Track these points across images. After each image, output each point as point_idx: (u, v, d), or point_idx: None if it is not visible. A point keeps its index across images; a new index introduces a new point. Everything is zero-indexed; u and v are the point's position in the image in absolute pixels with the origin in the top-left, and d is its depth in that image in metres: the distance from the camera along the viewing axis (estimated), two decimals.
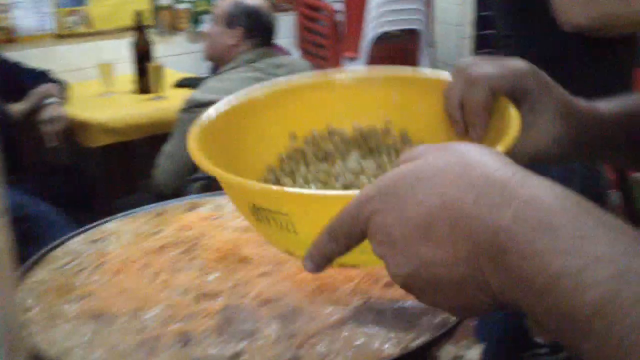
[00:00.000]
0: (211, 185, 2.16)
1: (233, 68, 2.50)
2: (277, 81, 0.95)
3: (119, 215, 1.28)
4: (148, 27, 3.66)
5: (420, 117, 0.84)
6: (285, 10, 4.28)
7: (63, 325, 0.94)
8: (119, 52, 3.70)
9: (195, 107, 2.40)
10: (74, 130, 2.98)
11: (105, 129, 2.93)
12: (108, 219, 1.27)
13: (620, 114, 0.80)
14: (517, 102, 0.72)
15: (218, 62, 2.66)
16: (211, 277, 1.02)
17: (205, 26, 3.81)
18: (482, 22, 4.48)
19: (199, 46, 4.03)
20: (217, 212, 1.29)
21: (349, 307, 0.92)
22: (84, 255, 1.13)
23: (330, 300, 0.93)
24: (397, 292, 0.94)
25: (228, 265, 1.05)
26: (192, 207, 1.32)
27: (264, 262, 1.04)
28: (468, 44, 4.54)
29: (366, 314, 0.90)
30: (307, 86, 0.94)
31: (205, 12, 4.06)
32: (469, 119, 0.74)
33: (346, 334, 0.87)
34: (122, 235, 1.21)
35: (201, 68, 4.00)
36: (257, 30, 2.56)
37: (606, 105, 0.80)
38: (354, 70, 0.95)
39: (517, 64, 0.72)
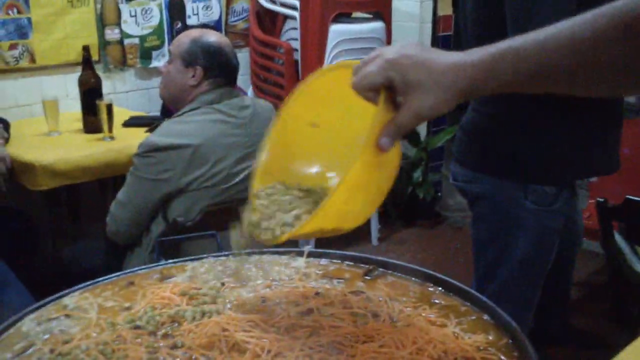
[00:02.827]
0: (168, 237, 1.98)
1: (193, 110, 2.33)
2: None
3: (79, 286, 1.11)
4: (96, 62, 3.47)
5: None
6: (239, 47, 4.15)
7: None
8: (65, 88, 3.50)
9: (153, 152, 2.22)
10: (17, 172, 2.76)
11: (52, 172, 2.70)
12: (67, 291, 1.09)
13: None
14: (391, 89, 0.90)
15: (175, 102, 2.48)
16: None
17: (159, 63, 3.66)
18: None
19: (150, 83, 3.87)
20: (193, 282, 1.12)
21: None
22: (39, 340, 0.95)
23: None
24: None
25: (219, 354, 0.89)
26: (165, 276, 1.16)
27: (262, 350, 0.89)
28: None
29: None
30: None
31: (156, 47, 3.89)
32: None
33: None
34: (84, 312, 1.04)
35: (152, 106, 3.82)
36: (218, 70, 2.39)
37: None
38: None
39: (388, 56, 0.90)
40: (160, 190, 2.24)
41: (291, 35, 3.81)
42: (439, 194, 4.49)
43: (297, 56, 3.73)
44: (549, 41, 0.85)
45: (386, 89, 0.90)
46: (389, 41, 3.91)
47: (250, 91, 4.02)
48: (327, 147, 1.08)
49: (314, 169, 1.09)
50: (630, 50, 0.80)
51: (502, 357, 0.92)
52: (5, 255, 2.49)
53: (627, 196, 2.20)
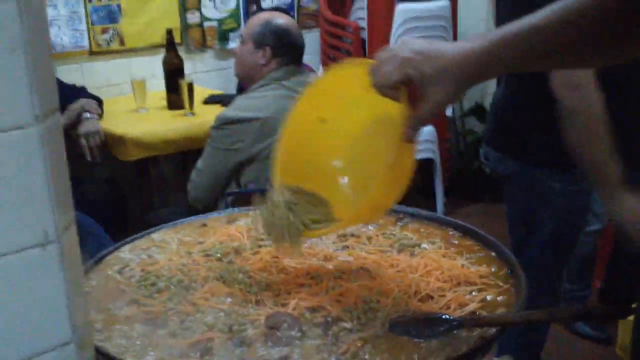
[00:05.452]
0: (239, 201, 2.24)
1: (262, 86, 2.57)
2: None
3: (164, 225, 1.37)
4: (178, 44, 3.75)
5: None
6: (309, 27, 4.37)
7: (119, 327, 1.01)
8: (151, 68, 3.79)
9: (227, 124, 2.48)
10: (109, 144, 3.08)
11: (139, 144, 3.00)
12: (154, 228, 1.36)
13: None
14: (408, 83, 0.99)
15: (247, 80, 2.72)
16: (255, 286, 1.10)
17: (234, 44, 3.92)
18: None
19: (227, 63, 4.13)
20: (254, 225, 1.37)
21: (388, 318, 1.00)
22: (133, 263, 1.22)
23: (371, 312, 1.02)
24: (433, 306, 1.02)
25: (269, 274, 1.14)
26: (232, 220, 1.41)
27: (302, 274, 1.13)
28: None
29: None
30: None
31: (233, 29, 4.16)
32: None
33: (385, 345, 0.94)
34: (167, 244, 1.30)
35: (229, 85, 4.09)
36: (285, 49, 2.62)
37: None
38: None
39: (402, 54, 0.98)
40: (233, 158, 2.49)
41: (359, 14, 4.00)
42: None
43: (365, 35, 3.91)
44: (542, 21, 0.91)
45: (405, 85, 0.99)
46: (455, 19, 4.03)
47: (320, 70, 4.23)
48: (335, 140, 1.19)
49: (327, 163, 1.21)
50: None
51: (500, 283, 1.12)
52: (99, 220, 2.80)
53: None
